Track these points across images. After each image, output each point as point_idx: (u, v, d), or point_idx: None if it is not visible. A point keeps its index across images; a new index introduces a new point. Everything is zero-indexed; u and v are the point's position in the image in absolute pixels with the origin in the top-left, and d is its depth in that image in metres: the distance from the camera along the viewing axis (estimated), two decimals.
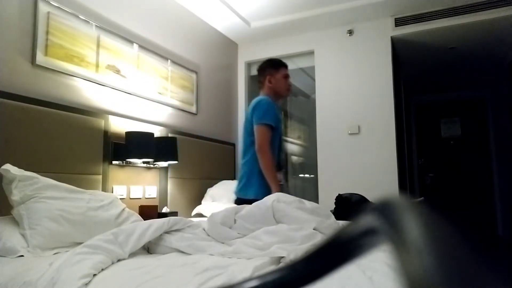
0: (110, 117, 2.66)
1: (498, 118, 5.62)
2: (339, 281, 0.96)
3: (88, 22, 2.58)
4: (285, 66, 2.50)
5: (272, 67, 2.48)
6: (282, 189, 2.17)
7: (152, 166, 2.94)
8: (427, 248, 0.19)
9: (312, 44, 4.27)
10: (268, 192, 2.12)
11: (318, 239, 1.47)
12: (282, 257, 1.29)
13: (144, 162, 2.82)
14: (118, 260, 1.36)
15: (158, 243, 1.52)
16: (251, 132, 2.29)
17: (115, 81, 2.76)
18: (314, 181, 4.30)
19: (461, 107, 6.20)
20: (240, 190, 2.35)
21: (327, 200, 3.62)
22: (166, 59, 3.32)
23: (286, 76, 2.49)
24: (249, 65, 4.69)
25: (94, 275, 1.22)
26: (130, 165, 2.76)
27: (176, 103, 3.41)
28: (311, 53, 4.30)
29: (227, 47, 4.43)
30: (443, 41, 4.10)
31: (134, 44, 2.98)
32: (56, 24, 2.36)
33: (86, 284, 1.16)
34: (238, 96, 4.58)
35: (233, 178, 4.11)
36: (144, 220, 2.24)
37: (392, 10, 3.80)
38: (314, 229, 1.57)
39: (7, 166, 1.74)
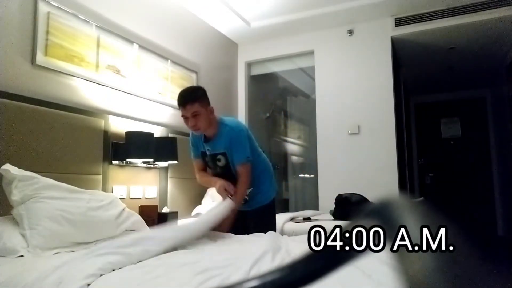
0: (110, 117, 2.65)
1: (498, 118, 5.62)
2: (338, 280, 0.96)
3: (88, 22, 2.58)
4: (182, 105, 2.06)
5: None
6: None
7: (152, 166, 2.93)
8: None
9: (312, 44, 4.27)
10: None
11: None
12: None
13: (144, 162, 2.82)
14: None
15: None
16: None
17: (115, 81, 2.76)
18: (314, 181, 4.30)
19: (461, 107, 6.20)
20: None
21: (327, 200, 3.62)
22: (166, 59, 3.32)
23: (184, 117, 2.08)
24: (249, 65, 4.69)
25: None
26: (130, 165, 2.76)
27: (176, 103, 3.40)
28: (311, 53, 4.30)
29: (227, 47, 4.43)
30: (443, 41, 4.10)
31: (134, 44, 2.98)
32: (56, 24, 2.36)
33: (88, 285, 1.16)
34: (238, 96, 4.58)
35: None
36: (144, 220, 2.25)
37: (392, 10, 3.80)
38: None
39: (7, 166, 1.74)
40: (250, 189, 2.21)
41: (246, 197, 2.20)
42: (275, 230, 2.24)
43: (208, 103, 2.10)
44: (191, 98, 2.05)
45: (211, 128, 2.12)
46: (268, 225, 2.20)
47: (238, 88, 4.60)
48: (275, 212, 2.40)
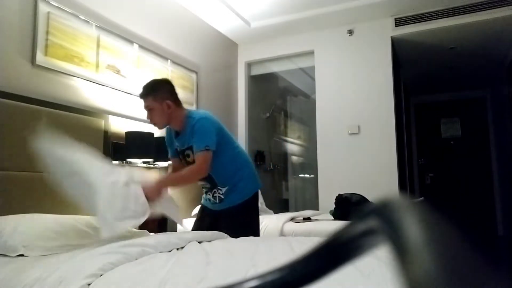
0: (110, 117, 2.65)
1: (498, 118, 5.62)
2: (337, 280, 0.96)
3: (88, 22, 2.58)
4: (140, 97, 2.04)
5: None
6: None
7: (152, 166, 2.93)
8: (426, 249, 0.19)
9: (312, 44, 4.27)
10: None
11: None
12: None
13: (144, 162, 2.82)
14: None
15: None
16: None
17: (115, 81, 2.76)
18: (314, 181, 4.30)
19: (461, 107, 6.21)
20: None
21: (327, 200, 3.62)
22: (166, 59, 3.32)
23: (146, 108, 2.04)
24: (249, 65, 4.69)
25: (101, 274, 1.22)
26: (130, 165, 2.76)
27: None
28: (311, 53, 4.30)
29: (227, 47, 4.43)
30: (443, 41, 4.10)
31: (134, 44, 2.98)
32: (56, 24, 2.36)
33: (89, 284, 1.16)
34: (238, 96, 4.58)
35: None
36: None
37: (392, 10, 3.80)
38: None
39: None
40: (226, 188, 2.02)
41: (221, 196, 2.02)
42: (255, 231, 2.03)
43: (167, 98, 1.96)
44: (144, 93, 2.02)
45: (177, 123, 2.00)
46: (243, 226, 1.98)
47: (238, 88, 4.60)
48: (256, 211, 2.14)
